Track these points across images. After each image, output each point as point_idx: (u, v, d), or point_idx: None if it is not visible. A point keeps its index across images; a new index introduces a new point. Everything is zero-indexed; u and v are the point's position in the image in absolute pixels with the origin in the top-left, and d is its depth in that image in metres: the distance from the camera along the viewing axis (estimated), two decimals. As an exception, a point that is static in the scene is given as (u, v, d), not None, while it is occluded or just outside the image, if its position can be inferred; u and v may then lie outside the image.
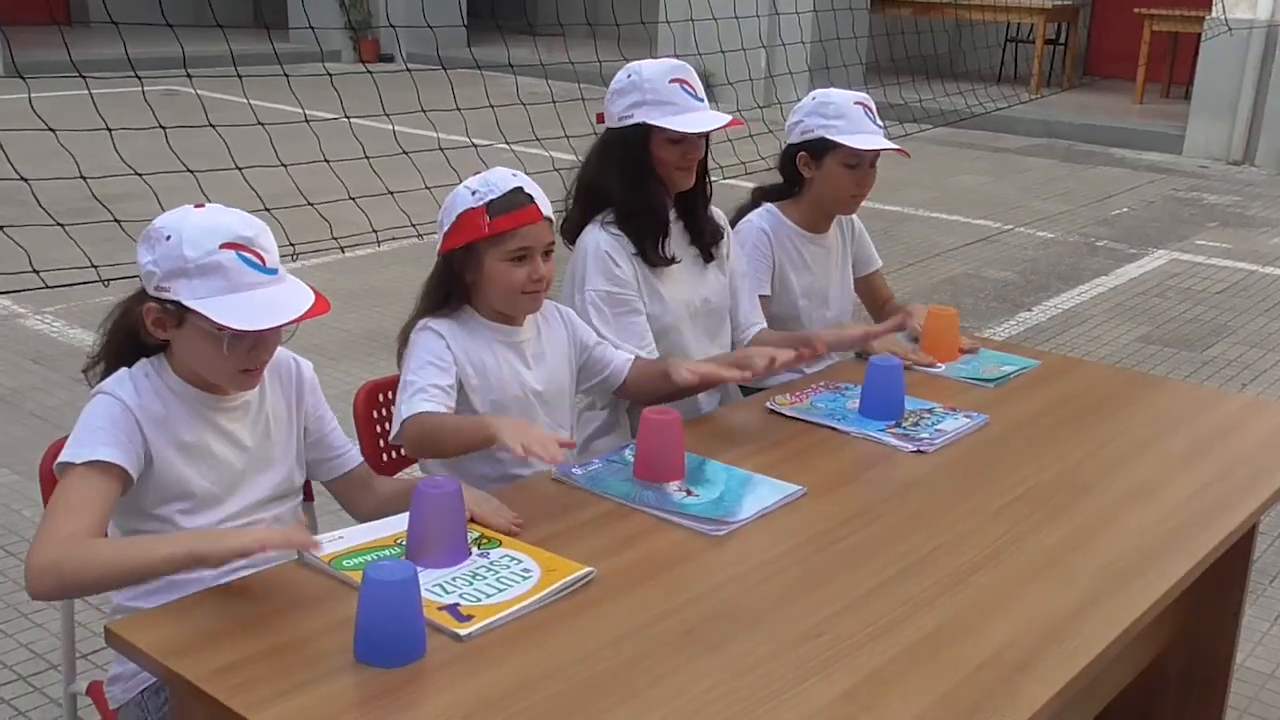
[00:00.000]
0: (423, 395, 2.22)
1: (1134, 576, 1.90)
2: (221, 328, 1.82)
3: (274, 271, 1.87)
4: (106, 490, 1.83)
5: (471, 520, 1.95)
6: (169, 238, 1.84)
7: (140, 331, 1.91)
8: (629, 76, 2.68)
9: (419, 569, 1.69)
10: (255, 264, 1.85)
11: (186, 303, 1.82)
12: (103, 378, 1.95)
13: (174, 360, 1.96)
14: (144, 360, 1.96)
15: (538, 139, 6.67)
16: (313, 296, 1.89)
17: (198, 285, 1.82)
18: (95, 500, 1.80)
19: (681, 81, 2.66)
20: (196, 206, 1.90)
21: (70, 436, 1.87)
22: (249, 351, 1.89)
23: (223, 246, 1.83)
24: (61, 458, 1.84)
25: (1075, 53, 14.01)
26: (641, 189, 2.68)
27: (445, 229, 2.27)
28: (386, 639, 1.59)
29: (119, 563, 1.74)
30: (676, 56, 2.95)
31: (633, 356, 2.58)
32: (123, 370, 1.94)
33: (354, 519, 2.15)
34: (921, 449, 2.37)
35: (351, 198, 5.89)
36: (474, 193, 2.25)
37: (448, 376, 2.27)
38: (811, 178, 3.00)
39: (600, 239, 2.67)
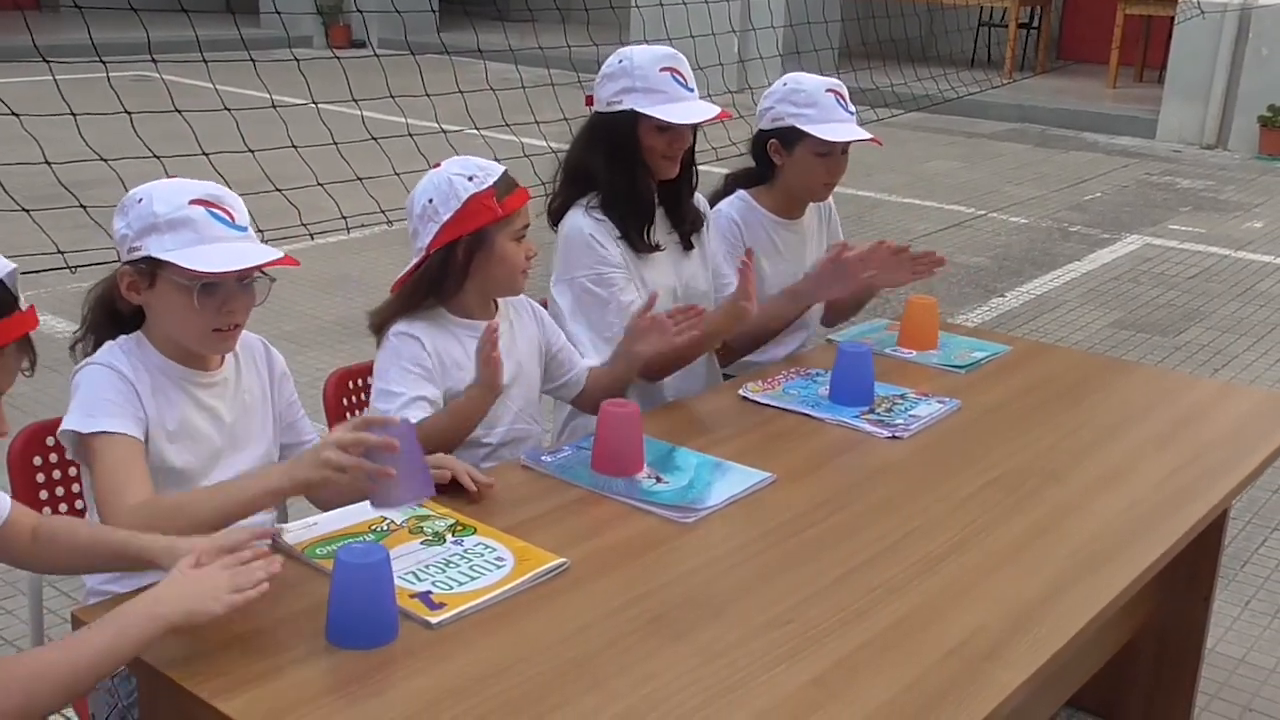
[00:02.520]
0: (412, 405, 2.23)
1: (1103, 562, 1.90)
2: (192, 275, 1.85)
3: (243, 229, 1.92)
4: (140, 454, 1.89)
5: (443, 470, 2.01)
6: (140, 200, 1.89)
7: (116, 301, 1.95)
8: (620, 62, 2.66)
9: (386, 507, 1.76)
10: (224, 219, 1.89)
11: (156, 255, 1.86)
12: (87, 354, 1.98)
13: (151, 334, 1.98)
14: (123, 337, 1.98)
15: (508, 125, 6.63)
16: (281, 253, 1.93)
17: (167, 239, 1.86)
18: (140, 466, 1.87)
19: (672, 70, 2.64)
20: (171, 178, 1.95)
21: (73, 405, 1.90)
22: (219, 307, 1.91)
23: (192, 202, 1.88)
24: (70, 425, 1.88)
25: (1048, 37, 14.05)
26: (627, 175, 2.66)
27: (445, 219, 2.23)
28: (359, 621, 1.59)
29: (218, 512, 1.80)
30: (647, 42, 2.92)
31: (591, 364, 2.57)
32: (109, 343, 1.96)
33: (318, 506, 2.12)
34: (896, 435, 2.37)
35: (320, 184, 5.84)
36: (471, 178, 2.23)
37: (431, 385, 2.27)
38: (782, 165, 2.98)
39: (584, 223, 2.66)
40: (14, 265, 1.49)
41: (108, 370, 1.91)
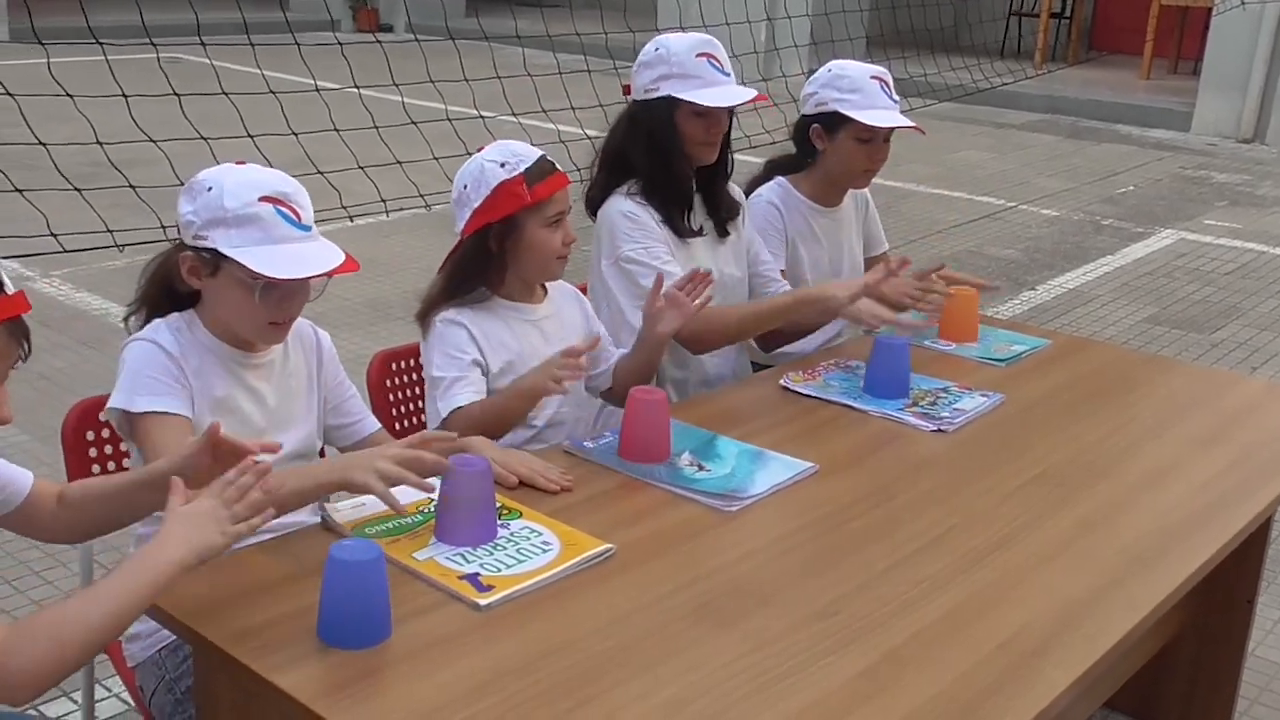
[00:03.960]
0: (459, 386, 2.24)
1: (1154, 560, 1.89)
2: (255, 276, 1.86)
3: (308, 229, 1.92)
4: (188, 432, 1.88)
5: (520, 484, 2.01)
6: (210, 189, 1.89)
7: (175, 280, 1.96)
8: (656, 49, 2.67)
9: (448, 544, 1.73)
10: (291, 219, 1.90)
11: (223, 250, 1.87)
12: (140, 327, 2.00)
13: (204, 315, 1.99)
14: (175, 314, 1.99)
15: (544, 111, 6.63)
16: (343, 255, 1.93)
17: (234, 235, 1.86)
18: (184, 442, 1.84)
19: (708, 56, 2.65)
20: (238, 163, 1.95)
21: (119, 383, 1.91)
22: (279, 303, 1.93)
23: (261, 199, 1.88)
24: (116, 403, 1.89)
25: (1081, 26, 13.95)
26: (665, 161, 2.66)
27: (476, 205, 2.26)
28: (350, 620, 1.57)
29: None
30: (681, 29, 2.92)
31: (621, 353, 2.56)
32: (158, 320, 1.98)
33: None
34: (942, 428, 2.36)
35: (361, 167, 5.85)
36: (503, 165, 2.24)
37: (474, 371, 2.28)
38: (824, 150, 2.98)
39: (625, 206, 2.67)
40: None
41: (152, 346, 1.93)
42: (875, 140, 2.92)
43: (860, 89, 2.88)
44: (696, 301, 2.43)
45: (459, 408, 2.23)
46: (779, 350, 2.99)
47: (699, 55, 2.64)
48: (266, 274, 1.85)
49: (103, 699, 2.66)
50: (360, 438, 2.18)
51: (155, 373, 1.90)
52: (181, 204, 1.93)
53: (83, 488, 1.80)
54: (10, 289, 1.49)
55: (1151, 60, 12.43)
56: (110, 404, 1.91)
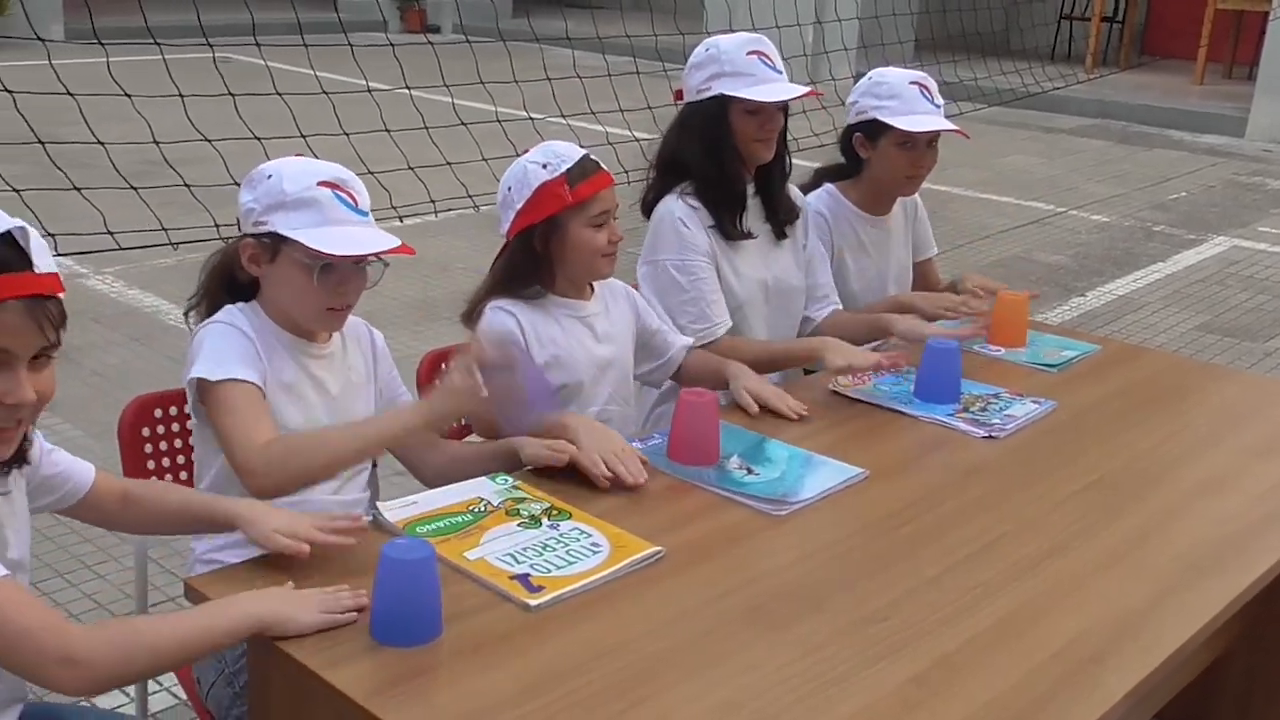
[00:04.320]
0: None
1: (1212, 570, 1.87)
2: (315, 255, 1.91)
3: (365, 214, 1.98)
4: (264, 400, 1.94)
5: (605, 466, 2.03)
6: (270, 176, 1.95)
7: (236, 269, 2.01)
8: (707, 50, 2.68)
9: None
10: (348, 203, 1.95)
11: (283, 232, 1.92)
12: (200, 320, 2.04)
13: (265, 304, 2.04)
14: (240, 303, 2.03)
15: (593, 113, 6.65)
16: (398, 241, 1.98)
17: (294, 217, 1.92)
18: (266, 410, 1.94)
19: (759, 53, 2.65)
20: (297, 155, 2.02)
21: (200, 356, 1.94)
22: (336, 287, 1.97)
23: (320, 184, 1.94)
24: (198, 373, 1.93)
25: (1133, 31, 13.78)
26: (719, 161, 2.66)
27: (519, 207, 2.28)
28: (402, 617, 1.58)
29: (354, 445, 1.93)
30: (729, 31, 2.92)
31: (689, 343, 2.57)
32: (229, 306, 2.02)
33: (421, 479, 2.19)
34: (993, 434, 2.35)
35: (411, 167, 5.89)
36: (545, 166, 2.25)
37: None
38: (869, 158, 2.98)
39: (676, 208, 2.67)
40: (21, 223, 1.48)
41: (229, 327, 1.98)
42: (917, 146, 2.91)
43: (898, 95, 2.87)
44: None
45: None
46: None
47: (750, 53, 2.64)
48: (324, 250, 1.90)
49: (154, 692, 2.70)
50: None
51: (235, 348, 1.95)
52: (242, 195, 1.99)
53: (142, 497, 1.83)
54: (41, 269, 1.48)
55: (1205, 65, 12.27)
56: (190, 374, 1.94)
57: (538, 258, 2.31)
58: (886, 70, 2.97)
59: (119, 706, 2.67)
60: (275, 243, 1.95)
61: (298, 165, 1.97)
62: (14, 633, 1.42)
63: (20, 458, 1.61)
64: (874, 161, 2.97)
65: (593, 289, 2.43)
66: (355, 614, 1.60)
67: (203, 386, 1.93)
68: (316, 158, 2.05)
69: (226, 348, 1.95)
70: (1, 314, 1.44)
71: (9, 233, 1.46)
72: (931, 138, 2.91)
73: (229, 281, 2.04)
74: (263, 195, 1.94)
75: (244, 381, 1.93)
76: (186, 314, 2.09)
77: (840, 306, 2.94)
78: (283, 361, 2.01)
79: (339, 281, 1.97)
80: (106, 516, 1.83)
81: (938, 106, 2.90)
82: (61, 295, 1.51)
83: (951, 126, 2.89)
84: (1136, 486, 2.15)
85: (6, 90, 4.98)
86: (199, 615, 1.56)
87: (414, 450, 2.19)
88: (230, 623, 1.54)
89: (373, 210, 2.01)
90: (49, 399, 1.54)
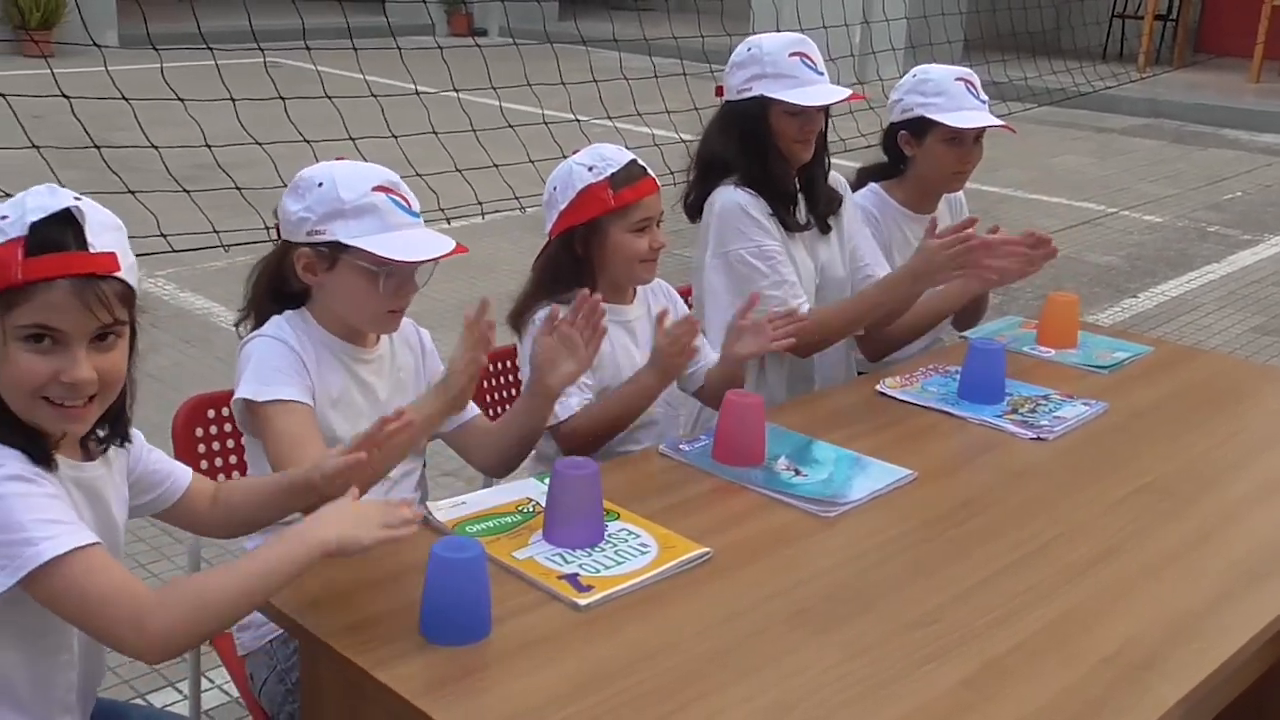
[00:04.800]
0: (572, 391, 2.25)
1: (1269, 575, 1.84)
2: (381, 262, 1.91)
3: (418, 215, 1.99)
4: (313, 419, 1.96)
5: None
6: (321, 184, 1.94)
7: (291, 278, 2.00)
8: (749, 50, 2.67)
9: (552, 544, 1.75)
10: (403, 206, 1.96)
11: (346, 241, 1.92)
12: (253, 329, 2.04)
13: (316, 311, 2.04)
14: (289, 312, 2.04)
15: (639, 115, 6.66)
16: (451, 240, 1.99)
17: (353, 225, 1.92)
18: (314, 430, 1.95)
19: (802, 55, 2.64)
20: (337, 159, 2.01)
21: (247, 374, 1.96)
22: (397, 290, 1.98)
23: (375, 189, 1.93)
24: (244, 393, 1.94)
25: (1187, 29, 13.61)
26: (761, 161, 2.66)
27: (562, 207, 2.29)
28: (451, 616, 1.58)
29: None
30: (777, 31, 2.91)
31: (713, 362, 2.53)
32: (275, 318, 2.02)
33: (477, 465, 2.23)
34: (1041, 436, 2.32)
35: (459, 169, 5.93)
36: (590, 169, 2.26)
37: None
38: (914, 156, 2.96)
39: (738, 197, 2.65)
40: (80, 201, 1.47)
41: (275, 341, 1.98)
42: (964, 142, 2.89)
43: (945, 91, 2.85)
44: (776, 344, 2.37)
45: (567, 418, 2.26)
46: (887, 360, 2.95)
47: (792, 54, 2.63)
48: (396, 258, 1.90)
49: (206, 690, 2.73)
50: (461, 423, 2.20)
51: (281, 364, 1.96)
52: (288, 204, 1.97)
53: (233, 490, 1.85)
54: (96, 248, 1.46)
55: (1262, 63, 12.09)
56: (237, 395, 1.96)
57: (578, 260, 2.32)
58: (930, 67, 2.95)
59: (171, 704, 2.70)
60: (334, 251, 1.94)
61: (347, 171, 1.96)
62: (96, 600, 1.44)
63: (118, 435, 1.63)
64: (920, 159, 2.95)
65: (634, 292, 2.44)
66: (414, 526, 1.59)
67: (249, 406, 1.95)
68: (365, 160, 2.06)
69: (270, 365, 1.95)
70: (49, 293, 1.44)
71: (67, 210, 1.45)
72: (978, 134, 2.89)
73: (276, 291, 2.04)
74: (316, 204, 1.93)
75: (291, 402, 1.93)
76: (237, 325, 2.10)
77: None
78: (331, 371, 2.02)
79: (399, 285, 1.97)
80: (198, 520, 1.84)
81: (983, 102, 2.88)
82: (118, 274, 1.49)
83: (999, 122, 2.87)
84: (1191, 490, 2.12)
85: (63, 95, 5.07)
86: (261, 558, 1.52)
87: (466, 440, 2.21)
88: (296, 556, 1.52)
89: (421, 212, 2.02)
90: (115, 380, 1.54)
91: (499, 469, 2.24)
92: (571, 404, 2.27)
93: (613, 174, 2.26)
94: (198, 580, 1.55)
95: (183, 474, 1.79)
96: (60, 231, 1.44)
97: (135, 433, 1.70)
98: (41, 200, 1.45)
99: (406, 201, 1.96)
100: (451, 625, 1.59)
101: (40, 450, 1.50)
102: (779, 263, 2.64)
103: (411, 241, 1.93)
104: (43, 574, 1.42)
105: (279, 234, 2.03)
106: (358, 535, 1.55)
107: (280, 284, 2.03)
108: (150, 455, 1.75)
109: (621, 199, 2.26)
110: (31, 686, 1.58)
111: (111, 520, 1.63)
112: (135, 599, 1.45)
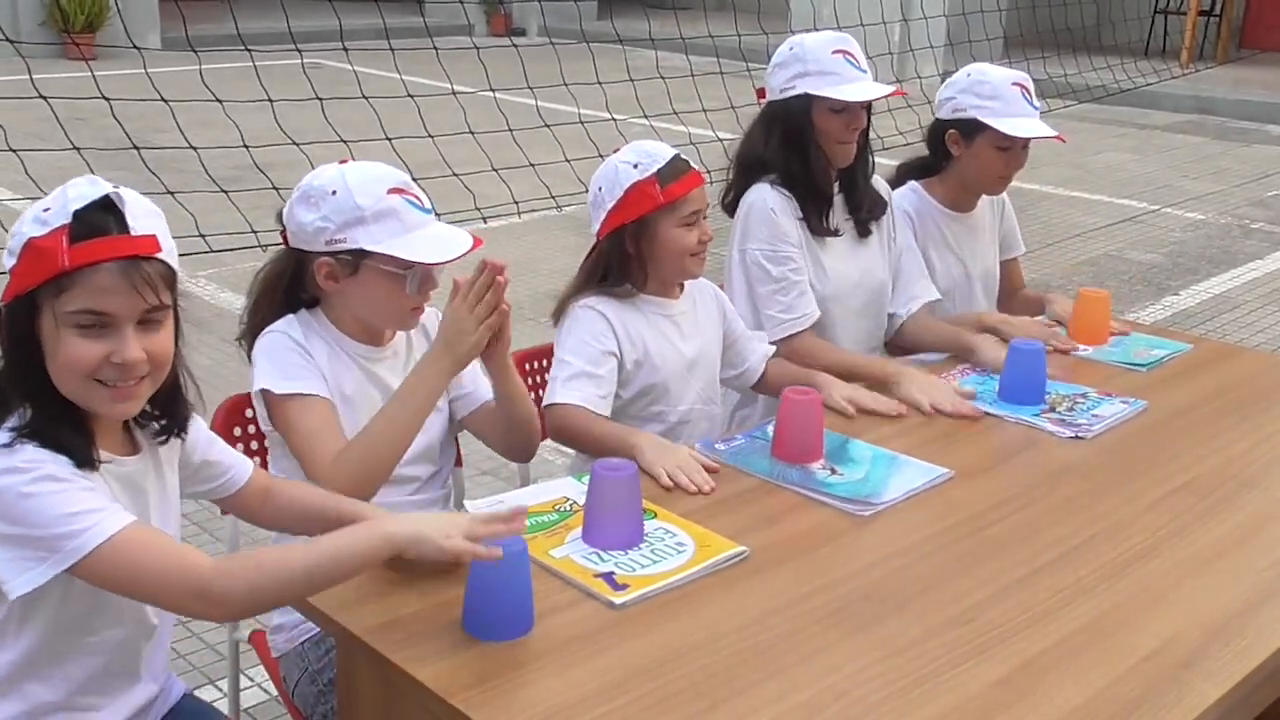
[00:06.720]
0: (578, 383, 2.24)
1: (1310, 576, 1.82)
2: (408, 265, 1.92)
3: (431, 211, 1.98)
4: (332, 411, 1.97)
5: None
6: (335, 192, 1.93)
7: (308, 286, 2.01)
8: (791, 49, 2.67)
9: (591, 546, 1.76)
10: (417, 205, 1.96)
11: (370, 248, 1.92)
12: (252, 344, 2.04)
13: (332, 314, 2.04)
14: (302, 311, 2.04)
15: (676, 113, 6.66)
16: (467, 232, 1.99)
17: (375, 230, 1.92)
18: (335, 422, 1.96)
19: (844, 52, 2.63)
20: (341, 162, 2.00)
21: (264, 367, 1.98)
22: (421, 287, 1.99)
23: (389, 192, 1.93)
24: (263, 384, 1.96)
25: (1231, 24, 13.45)
26: (803, 160, 2.65)
27: (609, 207, 2.28)
28: (495, 611, 1.59)
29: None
30: (815, 30, 2.91)
31: (770, 352, 2.56)
32: (289, 315, 2.03)
33: (496, 450, 2.23)
34: (1079, 434, 2.31)
35: (495, 169, 5.95)
36: (635, 165, 2.26)
37: (606, 363, 2.28)
38: (959, 156, 2.93)
39: (769, 196, 2.66)
40: (118, 188, 1.50)
41: (285, 337, 1.99)
42: (1014, 148, 2.86)
43: (1000, 96, 2.83)
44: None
45: (568, 404, 2.23)
46: (917, 358, 2.94)
47: (835, 52, 2.63)
48: (425, 260, 1.91)
49: (246, 688, 2.75)
50: (477, 405, 2.19)
51: (291, 357, 1.97)
52: (300, 213, 1.96)
53: (279, 494, 1.86)
54: (137, 231, 1.49)
55: (1306, 58, 11.93)
56: (257, 386, 1.98)
57: (629, 257, 2.32)
58: (987, 68, 2.92)
59: (213, 701, 2.73)
60: (356, 257, 1.94)
61: (356, 175, 1.94)
62: (153, 578, 1.49)
63: (175, 426, 1.66)
64: (965, 159, 2.93)
65: (681, 288, 2.44)
66: (499, 551, 1.55)
67: (269, 399, 1.96)
68: (404, 163, 2.07)
69: (285, 359, 1.97)
70: (96, 277, 1.47)
71: (107, 197, 1.49)
72: (1026, 140, 2.87)
73: (288, 299, 2.04)
74: (334, 213, 1.92)
75: (310, 395, 1.95)
76: (239, 340, 2.08)
77: (938, 296, 2.91)
78: (345, 371, 2.02)
79: (423, 282, 1.99)
80: (250, 513, 1.88)
81: (1036, 109, 2.86)
82: (160, 255, 1.52)
83: (1053, 132, 2.83)
84: (1231, 489, 2.10)
85: (105, 98, 5.13)
86: (330, 543, 1.54)
87: (488, 426, 2.19)
88: (367, 547, 1.54)
89: (459, 211, 2.03)
90: (164, 360, 1.57)
91: (510, 452, 2.23)
92: (570, 394, 2.24)
93: (659, 169, 2.26)
94: (255, 565, 1.55)
95: (242, 470, 1.82)
96: (102, 218, 1.48)
97: (198, 422, 1.72)
98: (81, 190, 1.49)
99: (419, 200, 1.97)
100: (495, 621, 1.59)
101: (83, 455, 1.52)
102: (790, 269, 2.64)
103: (434, 240, 1.94)
104: (94, 560, 1.46)
105: (286, 242, 2.02)
106: (435, 540, 1.54)
107: (293, 292, 2.03)
108: (213, 448, 1.78)
109: (670, 194, 2.26)
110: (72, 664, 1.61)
111: (147, 515, 1.65)
112: (195, 573, 1.49)
